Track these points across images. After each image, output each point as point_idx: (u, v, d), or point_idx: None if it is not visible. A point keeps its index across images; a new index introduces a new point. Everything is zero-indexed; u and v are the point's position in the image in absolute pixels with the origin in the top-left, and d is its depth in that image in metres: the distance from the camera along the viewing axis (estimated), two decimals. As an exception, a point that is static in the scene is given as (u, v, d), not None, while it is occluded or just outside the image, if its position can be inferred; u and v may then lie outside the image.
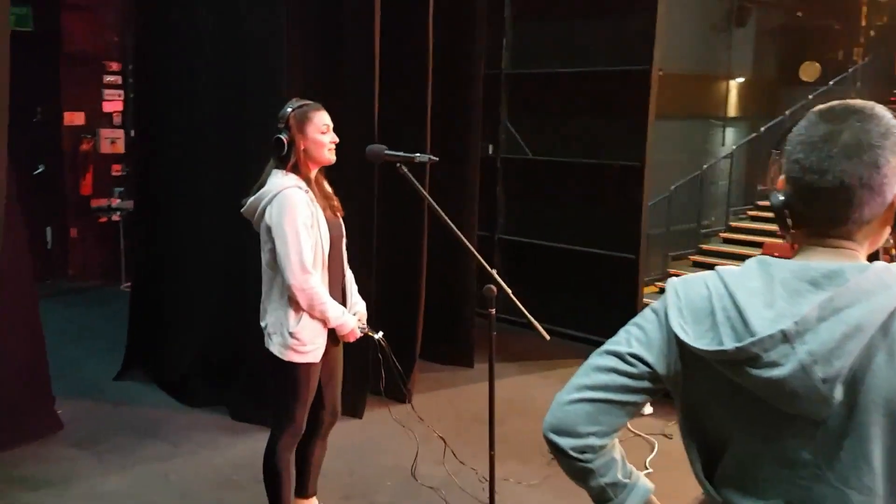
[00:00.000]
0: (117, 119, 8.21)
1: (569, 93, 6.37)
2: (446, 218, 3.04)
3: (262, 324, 3.06)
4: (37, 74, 7.68)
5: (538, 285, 6.73)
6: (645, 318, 1.30)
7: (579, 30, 6.35)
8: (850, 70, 16.82)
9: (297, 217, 2.90)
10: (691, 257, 12.70)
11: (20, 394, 4.21)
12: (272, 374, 3.07)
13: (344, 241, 3.18)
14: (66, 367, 5.24)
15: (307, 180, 3.01)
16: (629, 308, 5.98)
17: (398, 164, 3.02)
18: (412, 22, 4.78)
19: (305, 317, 2.97)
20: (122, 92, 8.18)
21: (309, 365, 3.02)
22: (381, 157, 3.05)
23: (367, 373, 4.51)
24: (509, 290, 3.02)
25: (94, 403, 4.83)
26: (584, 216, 6.29)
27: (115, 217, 8.13)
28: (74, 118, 7.91)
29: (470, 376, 5.49)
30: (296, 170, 3.00)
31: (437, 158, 3.01)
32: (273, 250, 2.94)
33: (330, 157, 3.05)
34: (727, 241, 13.28)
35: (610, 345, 1.30)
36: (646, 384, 1.27)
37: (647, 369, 1.26)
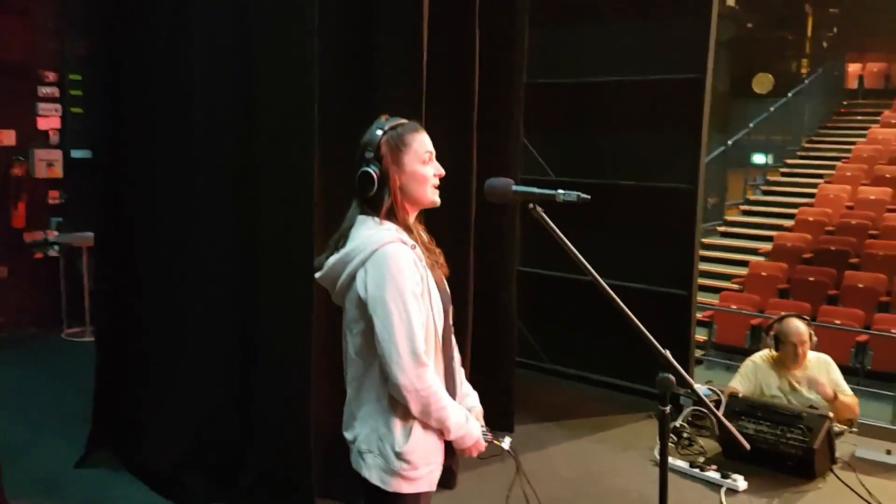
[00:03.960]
0: (54, 138, 7.01)
1: (599, 106, 5.54)
2: (593, 270, 2.21)
3: (349, 436, 2.14)
4: (-43, 86, 6.56)
5: (565, 325, 5.88)
6: None
7: (610, 35, 5.53)
8: (805, 81, 16.77)
9: (405, 286, 2.00)
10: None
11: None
12: None
13: (451, 311, 2.27)
14: (7, 450, 4.12)
15: (408, 230, 2.12)
16: (680, 355, 5.18)
17: (531, 206, 2.15)
18: (454, 28, 3.90)
19: (417, 428, 2.08)
20: (59, 106, 7.01)
21: (419, 495, 2.13)
22: (508, 195, 2.16)
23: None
24: (693, 383, 2.18)
25: (52, 504, 3.74)
26: (622, 246, 5.43)
27: (53, 252, 6.97)
28: (3, 137, 6.72)
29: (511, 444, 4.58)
30: (391, 216, 2.10)
31: (589, 197, 2.13)
32: (367, 332, 2.03)
33: (434, 196, 2.17)
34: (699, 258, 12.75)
35: None
36: None
37: None
